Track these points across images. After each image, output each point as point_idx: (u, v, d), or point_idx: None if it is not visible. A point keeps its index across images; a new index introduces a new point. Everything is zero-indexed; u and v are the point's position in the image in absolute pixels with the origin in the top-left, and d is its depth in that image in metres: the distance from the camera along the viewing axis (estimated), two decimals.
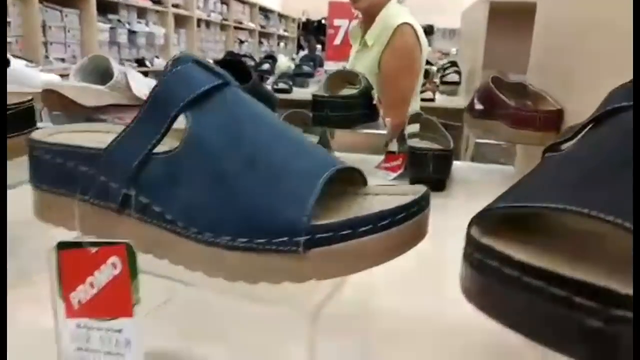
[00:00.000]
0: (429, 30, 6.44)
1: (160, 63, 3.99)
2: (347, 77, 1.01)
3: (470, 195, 0.86)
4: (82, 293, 0.32)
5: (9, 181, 0.47)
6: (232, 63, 1.02)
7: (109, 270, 0.31)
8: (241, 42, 6.16)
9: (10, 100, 0.54)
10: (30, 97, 0.59)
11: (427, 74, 2.74)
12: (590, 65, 0.76)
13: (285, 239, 0.28)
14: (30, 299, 0.44)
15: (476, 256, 0.25)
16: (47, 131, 0.37)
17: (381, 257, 0.29)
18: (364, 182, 0.36)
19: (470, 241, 0.26)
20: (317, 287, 0.30)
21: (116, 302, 0.31)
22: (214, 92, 0.32)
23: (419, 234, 0.31)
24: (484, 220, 0.29)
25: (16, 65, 1.04)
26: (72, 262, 0.32)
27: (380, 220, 0.28)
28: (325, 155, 0.33)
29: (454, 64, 2.70)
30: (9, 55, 1.02)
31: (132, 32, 3.96)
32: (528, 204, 0.26)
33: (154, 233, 0.31)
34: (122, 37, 3.83)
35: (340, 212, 0.31)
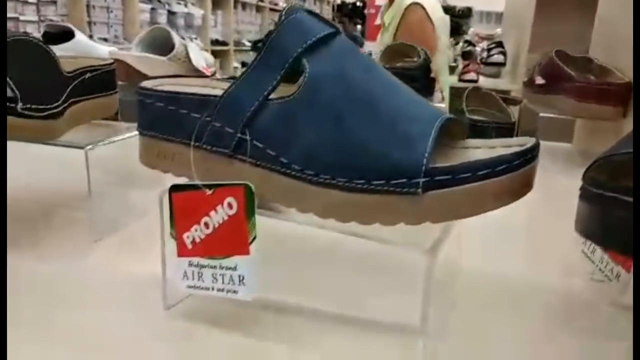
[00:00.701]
0: (467, 13, 6.28)
1: (197, 44, 4.03)
2: (404, 50, 1.00)
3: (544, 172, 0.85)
4: (196, 233, 0.33)
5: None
6: None
7: (225, 210, 0.32)
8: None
9: (87, 64, 0.56)
10: (111, 61, 0.61)
11: (469, 54, 2.69)
12: None
13: (403, 180, 0.28)
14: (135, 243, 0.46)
15: (606, 193, 0.25)
16: (152, 82, 0.38)
17: (495, 202, 0.29)
18: (464, 136, 0.36)
19: (594, 182, 0.26)
20: (425, 232, 0.30)
21: (232, 240, 0.32)
22: (328, 40, 0.32)
23: (528, 184, 0.31)
24: (600, 167, 0.29)
25: (80, 37, 1.07)
26: (185, 203, 0.33)
27: (498, 165, 0.28)
28: (433, 106, 0.33)
29: (499, 44, 2.63)
30: (72, 28, 1.05)
31: (171, 13, 4.01)
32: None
33: (267, 176, 0.32)
34: (162, 18, 3.89)
35: (451, 158, 0.31)
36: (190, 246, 0.33)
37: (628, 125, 0.83)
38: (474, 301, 0.41)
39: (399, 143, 0.29)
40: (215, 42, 4.40)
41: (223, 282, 0.33)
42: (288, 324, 0.36)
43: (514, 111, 0.98)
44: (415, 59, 0.96)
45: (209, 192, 0.32)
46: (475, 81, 2.41)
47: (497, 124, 0.84)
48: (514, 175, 0.29)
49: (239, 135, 0.32)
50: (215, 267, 0.33)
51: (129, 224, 0.51)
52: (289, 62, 0.31)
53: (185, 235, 0.33)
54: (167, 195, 0.34)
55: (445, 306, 0.40)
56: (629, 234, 0.23)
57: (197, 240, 0.33)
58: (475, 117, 0.87)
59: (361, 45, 3.01)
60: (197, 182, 0.32)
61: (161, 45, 0.99)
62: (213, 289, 0.33)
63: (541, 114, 0.90)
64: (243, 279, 0.32)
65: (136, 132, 0.38)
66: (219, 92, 0.33)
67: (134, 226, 0.50)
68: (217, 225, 0.32)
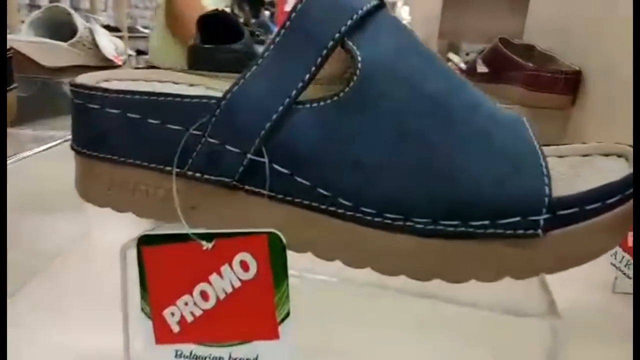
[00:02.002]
0: None
1: None
2: None
3: None
4: (187, 308, 0.22)
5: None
6: (219, 19, 0.89)
7: (237, 273, 0.21)
8: None
9: None
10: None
11: None
12: (608, 22, 0.72)
13: (517, 219, 0.19)
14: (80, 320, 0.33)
15: None
16: (92, 78, 0.25)
17: (621, 234, 0.21)
18: None
19: None
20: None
21: (249, 318, 0.21)
22: (375, 15, 0.22)
23: None
24: None
25: None
26: (167, 264, 0.22)
27: (625, 188, 0.21)
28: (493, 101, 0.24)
29: None
30: None
31: None
32: None
33: (294, 216, 0.22)
34: (43, 1, 3.45)
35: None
36: (176, 328, 0.22)
37: (577, 114, 0.82)
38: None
39: (501, 164, 0.20)
40: (107, 29, 4.02)
41: None
42: None
43: None
44: None
45: (206, 245, 0.21)
46: None
47: None
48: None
49: (250, 156, 0.21)
50: (221, 358, 0.22)
51: (46, 269, 0.37)
52: (329, 47, 0.21)
53: (167, 312, 0.22)
54: (134, 250, 0.22)
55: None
56: None
57: (189, 318, 0.22)
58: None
59: (270, 31, 2.87)
60: (187, 230, 0.21)
61: (60, 28, 0.81)
62: None
63: None
64: None
65: (48, 145, 0.26)
66: (209, 93, 0.22)
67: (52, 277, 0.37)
68: (222, 296, 0.21)
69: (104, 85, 0.24)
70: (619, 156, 0.25)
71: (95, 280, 0.34)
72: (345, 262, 0.22)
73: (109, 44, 0.85)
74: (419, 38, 0.24)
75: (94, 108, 0.23)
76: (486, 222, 0.20)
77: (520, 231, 0.19)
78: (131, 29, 4.50)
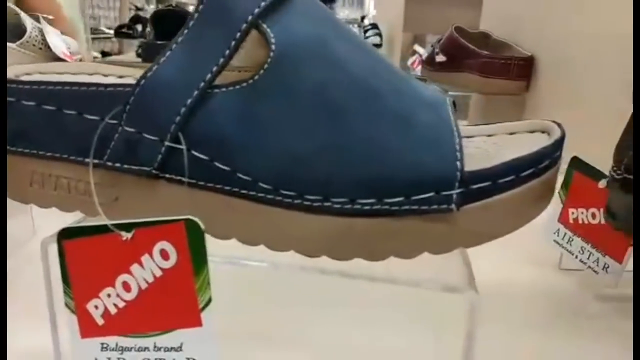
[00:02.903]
0: None
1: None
2: None
3: None
4: (110, 300, 0.21)
5: None
6: (173, 14, 0.88)
7: (157, 262, 0.21)
8: (137, 9, 5.69)
9: None
10: None
11: None
12: (560, 10, 0.74)
13: (430, 194, 0.20)
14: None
15: None
16: (12, 70, 0.25)
17: (538, 207, 0.22)
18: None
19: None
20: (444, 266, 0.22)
21: (172, 307, 0.21)
22: (293, 0, 0.22)
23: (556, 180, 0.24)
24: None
25: None
26: (89, 257, 0.21)
27: (541, 161, 0.21)
28: (421, 82, 0.25)
29: (374, 26, 2.67)
30: None
31: None
32: None
33: (216, 202, 0.21)
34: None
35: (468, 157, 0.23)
36: (101, 321, 0.22)
37: (531, 98, 0.84)
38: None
39: (417, 142, 0.20)
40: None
41: None
42: None
43: None
44: None
45: (126, 235, 0.21)
46: None
47: None
48: (554, 170, 0.22)
49: (168, 143, 0.21)
50: (147, 348, 0.21)
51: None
52: (242, 30, 0.21)
53: (91, 305, 0.22)
54: (54, 244, 0.21)
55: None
56: None
57: (113, 310, 0.21)
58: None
59: None
60: (106, 221, 0.21)
61: (9, 29, 0.79)
62: None
63: (450, 93, 0.88)
64: None
65: None
66: (124, 81, 0.22)
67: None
68: (144, 286, 0.21)
69: (24, 78, 0.24)
70: (543, 132, 0.25)
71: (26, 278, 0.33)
72: (268, 245, 0.22)
73: (60, 43, 0.82)
74: (340, 21, 0.24)
75: (10, 101, 0.23)
76: (401, 199, 0.20)
77: (434, 206, 0.20)
78: (94, 31, 4.41)
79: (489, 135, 0.27)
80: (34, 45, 0.78)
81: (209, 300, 0.21)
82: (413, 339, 0.29)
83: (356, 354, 0.29)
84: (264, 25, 0.21)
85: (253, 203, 0.21)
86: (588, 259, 0.37)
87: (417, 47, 1.50)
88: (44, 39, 0.79)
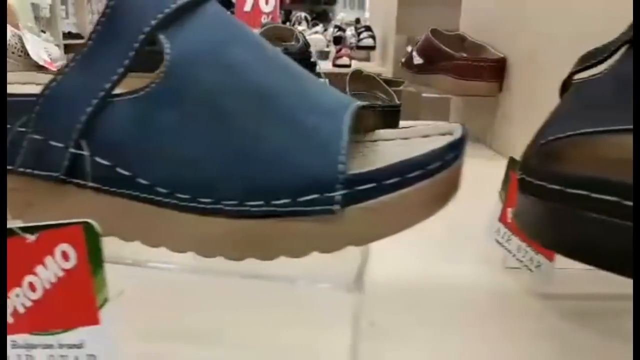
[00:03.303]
0: (331, 0, 6.43)
1: (47, 38, 3.57)
2: (281, 34, 0.93)
3: None
4: (18, 299, 0.22)
5: None
6: None
7: (59, 263, 0.22)
8: None
9: None
10: None
11: (340, 39, 2.71)
12: (532, 10, 0.74)
13: (314, 196, 0.21)
14: None
15: (570, 190, 0.20)
16: None
17: (429, 209, 0.23)
18: (374, 126, 0.29)
19: (547, 175, 0.21)
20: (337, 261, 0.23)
21: (73, 306, 0.22)
22: (195, 8, 0.23)
23: (459, 179, 0.25)
24: (538, 152, 0.24)
25: None
26: None
27: (429, 163, 0.22)
28: (335, 90, 0.26)
29: (367, 28, 2.68)
30: None
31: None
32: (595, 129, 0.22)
33: (119, 206, 0.22)
34: None
35: (366, 159, 0.24)
36: (11, 319, 0.23)
37: (504, 101, 0.85)
38: (386, 313, 0.35)
39: (304, 146, 0.21)
40: (69, 35, 3.95)
41: None
42: None
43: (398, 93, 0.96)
44: (293, 43, 0.89)
45: (30, 238, 0.22)
46: (349, 65, 2.43)
47: (382, 107, 0.81)
48: (449, 172, 0.23)
49: (72, 150, 0.22)
50: (51, 345, 0.22)
51: None
52: (140, 41, 0.22)
53: None
54: None
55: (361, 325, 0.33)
56: (607, 243, 0.19)
57: (21, 309, 0.22)
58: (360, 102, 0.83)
59: None
60: (14, 224, 0.22)
61: None
62: None
63: (424, 95, 0.89)
64: (95, 359, 0.22)
65: None
66: (33, 90, 0.23)
67: None
68: (48, 286, 0.22)
69: None
70: (451, 134, 0.26)
71: None
72: (168, 247, 0.22)
73: (40, 50, 0.84)
74: (249, 30, 0.25)
75: None
76: (287, 201, 0.21)
77: (319, 207, 0.21)
78: None
79: (405, 138, 0.28)
80: (13, 52, 0.80)
81: (106, 300, 0.22)
82: (306, 337, 0.30)
83: (248, 352, 0.29)
84: (161, 37, 0.22)
85: (153, 207, 0.22)
86: (524, 257, 0.38)
87: (410, 49, 1.51)
88: (24, 47, 0.80)
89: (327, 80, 0.95)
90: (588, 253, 0.19)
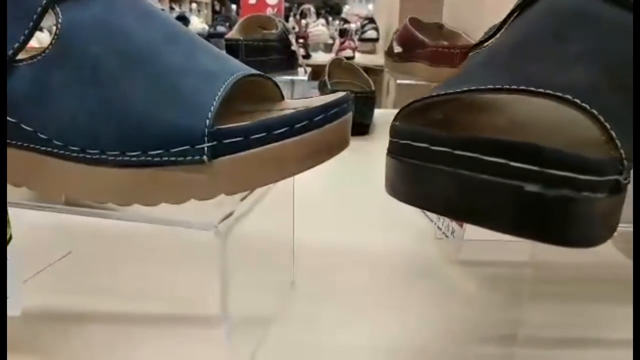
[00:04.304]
0: None
1: None
2: (262, 22, 0.96)
3: None
4: None
5: None
6: None
7: None
8: None
9: None
10: None
11: (344, 32, 2.72)
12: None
13: (186, 147, 0.23)
14: None
15: (403, 142, 0.22)
16: None
17: (299, 164, 0.25)
18: (280, 97, 0.32)
19: (396, 132, 0.24)
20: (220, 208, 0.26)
21: None
22: None
23: (340, 141, 0.27)
24: (407, 114, 0.27)
25: None
26: None
27: (296, 122, 0.25)
28: (235, 62, 0.28)
29: (371, 20, 2.69)
30: None
31: None
32: (446, 91, 0.24)
33: (25, 158, 0.26)
34: None
35: (252, 120, 0.27)
36: None
37: None
38: (314, 277, 0.38)
39: (178, 103, 0.24)
40: None
41: None
42: (89, 335, 0.30)
43: (379, 81, 0.98)
44: (273, 30, 0.92)
45: None
46: (352, 57, 2.44)
47: (357, 93, 0.83)
48: (318, 133, 0.25)
49: None
50: None
51: None
52: (38, 12, 0.25)
53: None
54: None
55: (283, 286, 0.36)
56: (425, 185, 0.21)
57: None
58: (338, 89, 0.85)
59: (235, 22, 2.89)
60: None
61: None
62: None
63: (398, 81, 0.91)
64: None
65: None
66: None
67: None
68: None
69: None
70: None
71: None
72: (66, 195, 0.26)
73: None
74: (146, 3, 0.28)
75: None
76: (161, 151, 0.24)
77: (189, 157, 0.24)
78: None
79: (294, 108, 0.31)
80: None
81: (10, 237, 0.25)
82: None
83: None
84: (57, 9, 0.25)
85: (51, 158, 0.25)
86: (442, 225, 0.41)
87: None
88: None
89: (308, 70, 0.98)
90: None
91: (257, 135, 0.24)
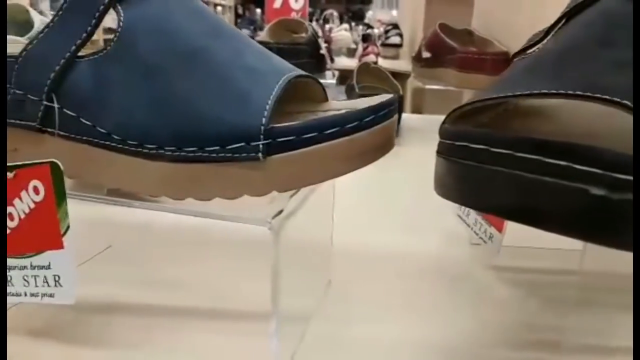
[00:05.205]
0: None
1: None
2: (292, 26, 0.97)
3: (422, 142, 0.85)
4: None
5: None
6: None
7: (31, 196, 0.26)
8: None
9: None
10: None
11: (368, 37, 2.72)
12: (534, 6, 0.76)
13: (241, 144, 0.24)
14: None
15: (459, 144, 0.22)
16: None
17: (348, 164, 0.26)
18: (324, 97, 0.33)
19: (450, 134, 0.24)
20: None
21: (41, 233, 0.26)
22: None
23: (387, 143, 0.28)
24: (458, 117, 0.27)
25: None
26: None
27: (347, 122, 0.25)
28: (283, 62, 0.29)
29: (395, 26, 2.69)
30: None
31: None
32: (499, 95, 0.24)
33: (84, 151, 0.26)
34: (45, 4, 3.54)
35: (302, 119, 0.28)
36: None
37: None
38: (350, 276, 0.38)
39: (234, 102, 0.25)
40: (109, 31, 4.10)
41: (37, 285, 0.27)
42: (138, 326, 0.31)
43: (405, 86, 0.98)
44: (303, 34, 0.93)
45: (9, 175, 0.26)
46: (375, 63, 2.44)
47: None
48: (367, 133, 0.26)
49: (45, 103, 0.26)
50: (25, 267, 0.27)
51: None
52: (101, 10, 0.26)
53: None
54: None
55: (320, 285, 0.37)
56: (483, 187, 0.21)
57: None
58: (366, 93, 0.85)
59: (260, 28, 2.93)
60: None
61: (21, 26, 0.87)
62: (26, 294, 0.27)
63: (427, 87, 0.91)
64: (59, 279, 0.26)
65: None
66: (14, 53, 0.27)
67: None
68: (22, 216, 0.26)
69: None
70: None
71: None
72: (120, 187, 0.26)
73: None
74: (201, 5, 0.29)
75: None
76: (217, 148, 0.24)
77: (245, 154, 0.24)
78: None
79: (339, 110, 0.31)
80: None
81: (68, 227, 0.26)
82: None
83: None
84: (119, 7, 0.26)
85: (109, 152, 0.26)
86: (479, 230, 0.41)
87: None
88: None
89: (336, 74, 0.98)
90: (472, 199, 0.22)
91: (309, 135, 0.24)
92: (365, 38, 2.75)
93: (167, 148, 0.25)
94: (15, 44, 0.66)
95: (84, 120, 0.26)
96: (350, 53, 2.75)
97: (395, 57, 2.68)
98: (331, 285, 0.37)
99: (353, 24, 3.46)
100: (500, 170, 0.20)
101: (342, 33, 2.82)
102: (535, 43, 0.34)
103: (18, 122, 0.27)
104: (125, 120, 0.25)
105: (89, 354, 0.28)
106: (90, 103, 0.26)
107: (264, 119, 0.24)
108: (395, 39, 2.70)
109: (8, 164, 0.26)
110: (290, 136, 0.24)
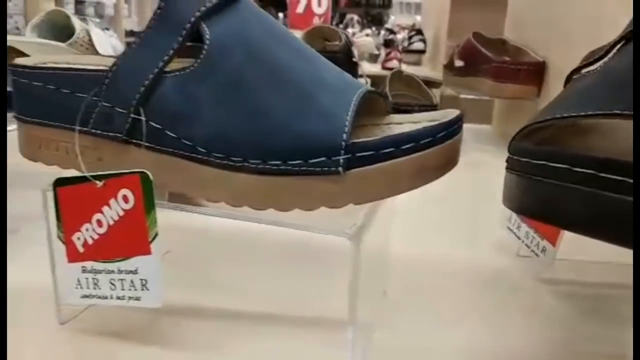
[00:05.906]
0: (387, 3, 6.42)
1: (111, 34, 3.78)
2: (326, 33, 0.98)
3: (463, 153, 0.86)
4: (88, 233, 0.28)
5: None
6: None
7: (120, 204, 0.27)
8: None
9: None
10: None
11: (390, 42, 2.73)
12: (571, 16, 0.76)
13: (322, 159, 0.25)
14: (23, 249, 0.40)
15: (536, 162, 0.23)
16: (30, 60, 0.32)
17: (421, 178, 0.27)
18: (386, 111, 0.34)
19: (525, 151, 0.25)
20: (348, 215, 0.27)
21: (130, 239, 0.27)
22: (231, 3, 0.28)
23: (455, 157, 0.29)
24: (528, 134, 0.28)
25: None
26: (73, 199, 0.28)
27: (422, 138, 0.26)
28: (350, 76, 0.30)
29: (419, 32, 2.69)
30: None
31: (79, 2, 3.74)
32: (564, 115, 0.25)
33: (169, 162, 0.28)
34: (69, 8, 3.62)
35: (372, 134, 0.29)
36: (82, 249, 0.28)
37: (543, 104, 0.86)
38: (404, 287, 0.39)
39: (315, 117, 0.26)
40: (131, 34, 4.17)
41: (123, 289, 0.28)
42: (208, 329, 0.32)
43: (435, 94, 0.99)
44: (337, 42, 0.94)
45: (99, 184, 0.27)
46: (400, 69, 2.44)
47: (420, 106, 0.84)
48: (439, 149, 0.27)
49: (132, 115, 0.28)
50: (113, 271, 0.28)
51: (19, 229, 0.44)
52: (187, 28, 0.27)
53: (75, 237, 0.28)
54: (51, 191, 0.29)
55: (376, 295, 0.38)
56: (558, 202, 0.22)
57: (90, 241, 0.28)
58: (399, 101, 0.86)
59: None
60: (85, 172, 0.28)
61: (61, 30, 0.90)
62: (112, 297, 0.29)
63: (462, 96, 0.91)
64: (146, 283, 0.28)
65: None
66: (103, 67, 0.29)
67: (23, 231, 0.44)
68: (111, 223, 0.28)
69: (33, 64, 0.31)
70: None
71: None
72: (205, 197, 0.28)
73: (105, 44, 0.93)
74: (277, 23, 0.30)
75: (23, 82, 0.30)
76: (300, 162, 0.25)
77: (326, 168, 0.25)
78: None
79: (415, 122, 0.32)
80: (81, 45, 0.88)
81: (156, 234, 0.27)
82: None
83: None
84: (204, 26, 0.27)
85: (194, 163, 0.27)
86: (531, 243, 0.41)
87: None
88: (91, 40, 0.89)
89: (368, 80, 0.99)
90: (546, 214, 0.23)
91: (387, 150, 0.26)
92: (388, 43, 2.76)
93: (251, 161, 0.26)
94: (56, 49, 0.68)
95: (169, 133, 0.27)
96: (372, 58, 2.76)
97: (417, 63, 2.68)
98: (386, 295, 0.38)
99: (373, 28, 3.47)
100: (580, 188, 0.21)
101: (364, 39, 2.83)
102: (593, 61, 0.35)
103: (105, 133, 0.29)
104: (211, 134, 0.26)
105: (168, 355, 0.30)
106: (176, 116, 0.27)
107: (344, 135, 0.25)
108: (418, 45, 2.70)
109: (97, 174, 0.28)
110: (370, 151, 0.25)
